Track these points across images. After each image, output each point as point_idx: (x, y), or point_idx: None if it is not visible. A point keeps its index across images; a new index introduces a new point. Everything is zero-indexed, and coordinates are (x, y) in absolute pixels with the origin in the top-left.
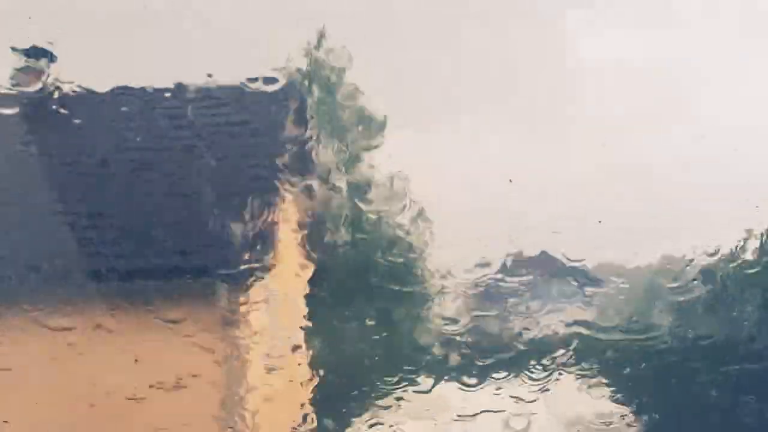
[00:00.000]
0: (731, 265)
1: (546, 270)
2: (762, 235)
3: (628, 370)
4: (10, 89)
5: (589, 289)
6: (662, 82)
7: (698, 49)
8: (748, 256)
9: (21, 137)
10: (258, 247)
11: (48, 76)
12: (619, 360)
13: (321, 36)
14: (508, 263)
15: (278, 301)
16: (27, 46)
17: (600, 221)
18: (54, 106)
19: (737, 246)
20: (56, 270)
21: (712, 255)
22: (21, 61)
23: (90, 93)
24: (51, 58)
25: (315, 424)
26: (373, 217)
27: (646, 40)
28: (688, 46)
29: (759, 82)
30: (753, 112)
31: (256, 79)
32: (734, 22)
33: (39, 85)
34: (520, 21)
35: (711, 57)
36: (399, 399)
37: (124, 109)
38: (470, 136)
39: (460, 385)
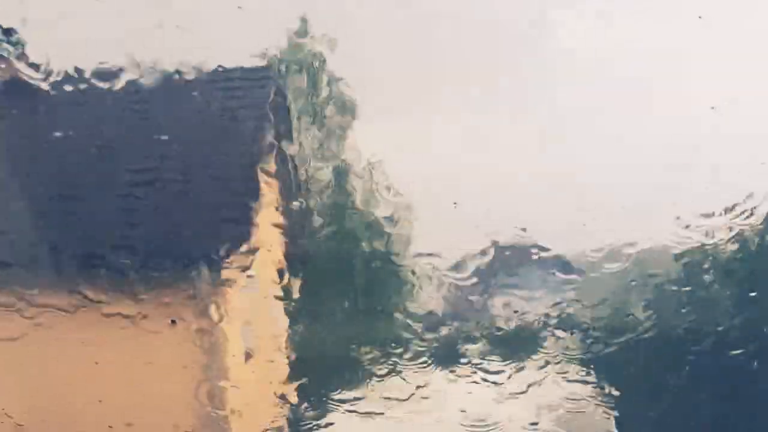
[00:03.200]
0: (711, 254)
1: (527, 259)
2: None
3: (608, 358)
4: None
5: (569, 278)
6: (646, 67)
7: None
8: (729, 242)
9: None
10: (236, 235)
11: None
12: (600, 348)
13: (302, 22)
14: (490, 252)
15: (256, 288)
16: None
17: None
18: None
19: (716, 232)
20: (30, 257)
21: (692, 242)
22: None
23: (64, 78)
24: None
25: (292, 410)
26: (352, 205)
27: (626, 27)
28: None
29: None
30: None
31: (234, 66)
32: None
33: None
34: (508, 9)
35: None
36: (378, 385)
37: (97, 94)
38: (456, 125)
39: (441, 373)
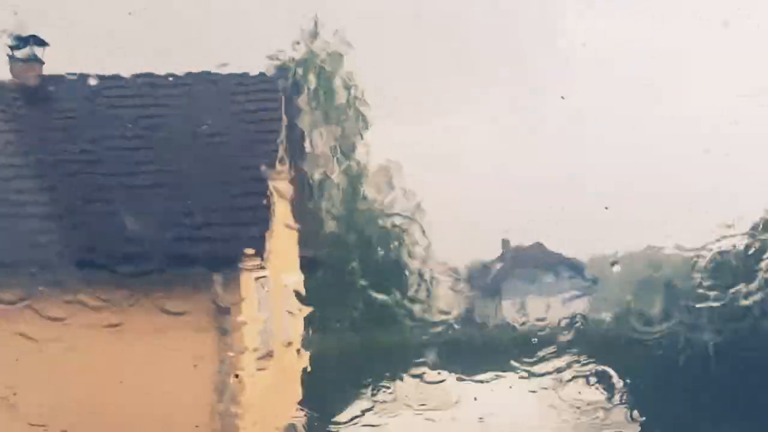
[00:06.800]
0: (720, 255)
1: (539, 261)
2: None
3: (622, 359)
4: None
5: (581, 280)
6: (657, 71)
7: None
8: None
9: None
10: (252, 237)
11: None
12: (614, 349)
13: (317, 25)
14: (502, 254)
15: (271, 291)
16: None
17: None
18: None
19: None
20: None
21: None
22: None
23: (83, 80)
24: (41, 44)
25: (306, 412)
26: (366, 204)
27: (635, 29)
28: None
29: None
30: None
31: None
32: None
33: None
34: (512, 12)
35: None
36: (390, 389)
37: (116, 97)
38: (465, 127)
39: (454, 376)
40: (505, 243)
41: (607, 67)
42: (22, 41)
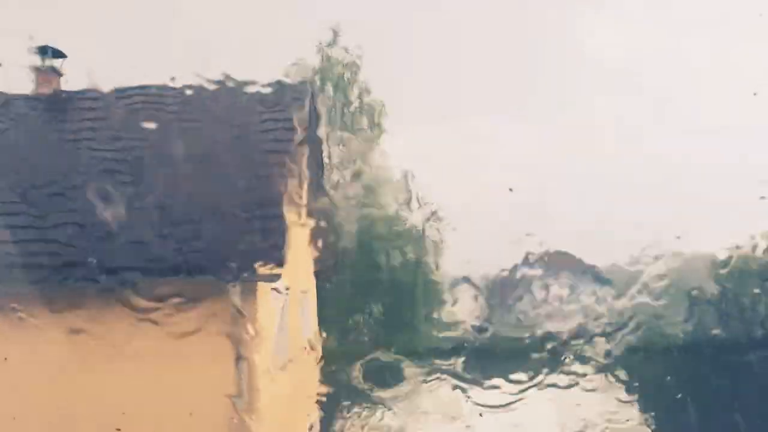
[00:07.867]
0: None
1: (560, 266)
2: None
3: (640, 366)
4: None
5: (600, 287)
6: (668, 81)
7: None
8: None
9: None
10: (269, 245)
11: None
12: (632, 356)
13: (334, 35)
14: (521, 260)
15: (289, 298)
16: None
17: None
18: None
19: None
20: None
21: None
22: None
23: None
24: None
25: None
26: (383, 213)
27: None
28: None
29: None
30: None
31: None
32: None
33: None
34: (524, 22)
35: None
36: (410, 395)
37: (135, 107)
38: (482, 134)
39: (473, 382)
40: (524, 249)
41: (629, 75)
42: (41, 52)
